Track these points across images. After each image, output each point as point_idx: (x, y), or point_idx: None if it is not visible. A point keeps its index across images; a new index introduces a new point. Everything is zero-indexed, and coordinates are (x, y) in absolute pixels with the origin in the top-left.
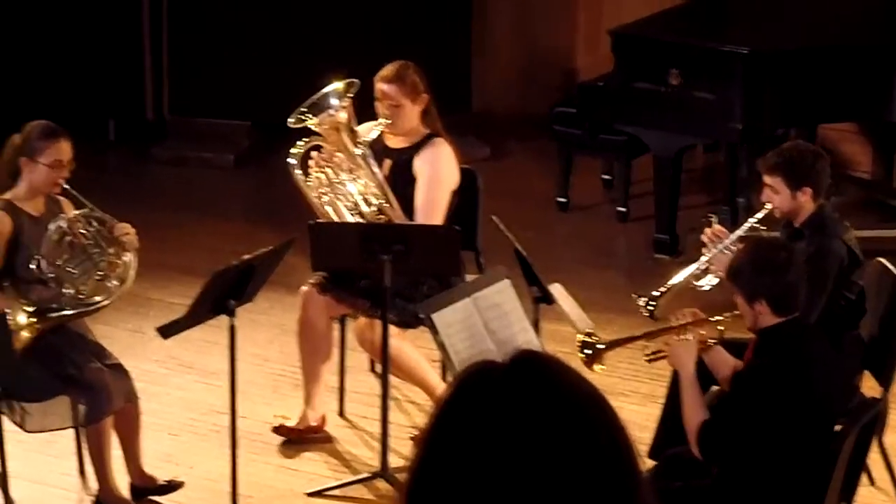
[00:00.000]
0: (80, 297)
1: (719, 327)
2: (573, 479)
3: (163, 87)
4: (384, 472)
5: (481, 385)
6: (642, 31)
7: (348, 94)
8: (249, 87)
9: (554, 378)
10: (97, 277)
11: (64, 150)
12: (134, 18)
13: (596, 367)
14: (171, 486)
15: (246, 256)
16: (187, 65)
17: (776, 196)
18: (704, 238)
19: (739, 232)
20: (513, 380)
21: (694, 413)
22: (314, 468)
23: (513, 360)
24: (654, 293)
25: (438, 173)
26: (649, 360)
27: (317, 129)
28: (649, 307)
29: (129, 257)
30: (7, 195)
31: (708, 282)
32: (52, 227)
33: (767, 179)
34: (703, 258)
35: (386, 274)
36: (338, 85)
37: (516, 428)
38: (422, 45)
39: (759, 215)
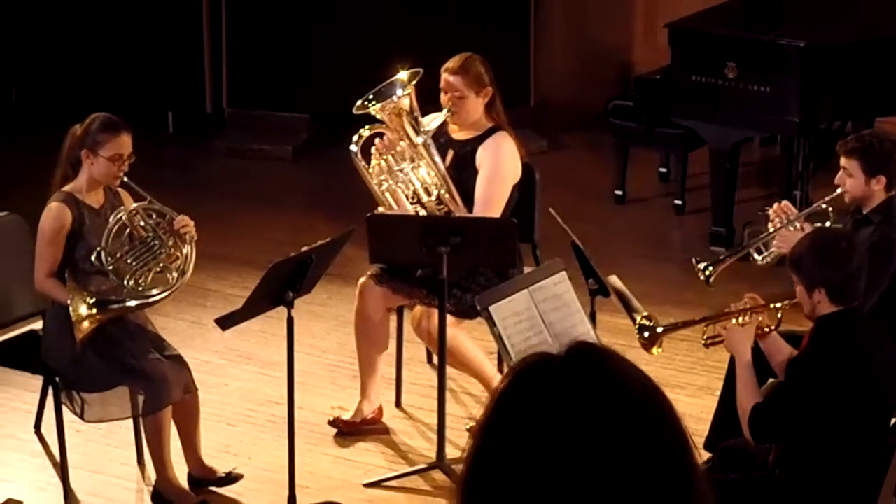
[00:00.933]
0: (140, 288)
1: (777, 314)
2: (629, 470)
3: (221, 80)
4: (441, 463)
5: (537, 376)
6: (699, 24)
7: (412, 83)
8: (307, 79)
9: (610, 370)
10: (157, 269)
11: (125, 143)
12: (193, 11)
13: (654, 349)
14: (231, 478)
15: (304, 248)
16: (245, 57)
17: (850, 179)
18: (771, 213)
19: (807, 211)
20: (569, 371)
21: (748, 398)
22: (371, 459)
23: (569, 352)
24: (715, 259)
25: (500, 166)
26: (707, 345)
27: (380, 116)
28: (706, 272)
29: (188, 249)
30: (67, 187)
31: (768, 256)
32: (112, 219)
33: (844, 162)
34: (766, 233)
35: (443, 266)
36: (402, 74)
37: (572, 419)
38: (481, 38)
39: (829, 198)
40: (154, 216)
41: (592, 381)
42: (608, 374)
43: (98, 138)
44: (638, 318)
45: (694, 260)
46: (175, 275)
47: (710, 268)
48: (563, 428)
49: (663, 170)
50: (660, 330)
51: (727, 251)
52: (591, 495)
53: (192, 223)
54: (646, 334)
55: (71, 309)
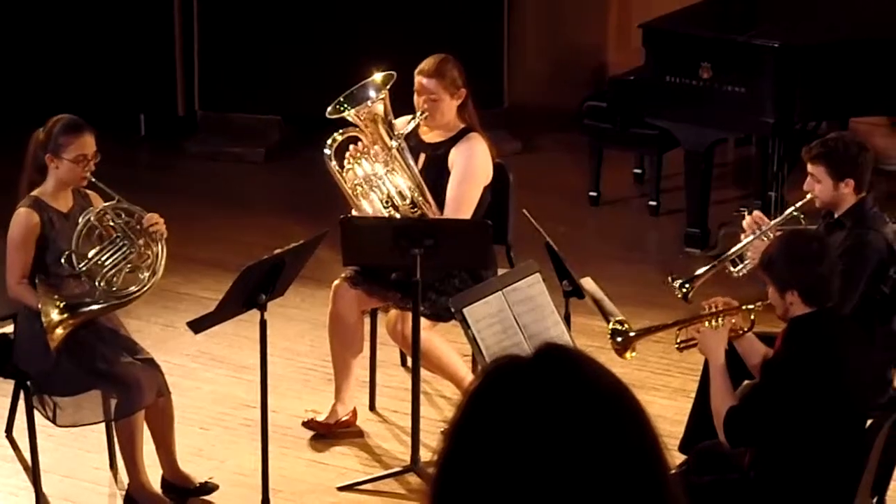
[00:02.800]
0: (112, 289)
1: (751, 316)
2: (599, 472)
3: (193, 82)
4: (415, 466)
5: (506, 378)
6: (673, 25)
7: (385, 86)
8: (280, 81)
9: (578, 371)
10: (128, 269)
11: (88, 143)
12: (164, 13)
13: (627, 354)
14: (206, 489)
15: (277, 251)
16: (217, 59)
17: (818, 185)
18: (745, 224)
19: (779, 220)
20: (537, 373)
21: (722, 400)
22: (345, 462)
23: (537, 354)
24: (691, 276)
25: (471, 168)
26: (680, 349)
27: (353, 121)
28: (683, 289)
29: (158, 248)
30: (35, 192)
31: (743, 268)
32: (80, 220)
33: (811, 168)
34: (741, 244)
35: (417, 268)
36: (375, 77)
37: (541, 421)
38: (454, 38)
39: (799, 204)
40: (123, 215)
41: (561, 382)
42: (577, 375)
43: (60, 141)
44: (610, 323)
45: (669, 278)
46: (147, 274)
47: (687, 285)
48: (532, 429)
49: (638, 171)
50: (632, 334)
51: (700, 270)
52: (562, 496)
53: (161, 221)
54: (619, 339)
55: (42, 315)
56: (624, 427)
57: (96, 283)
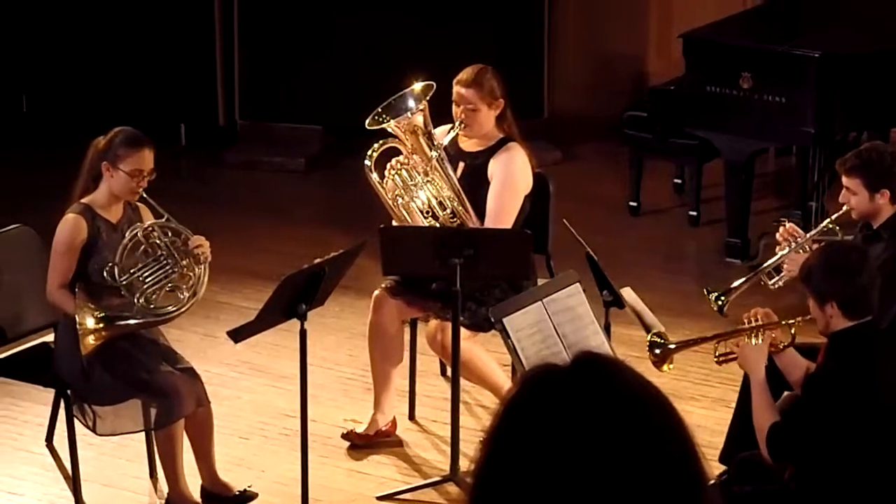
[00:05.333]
0: (150, 306)
1: (791, 330)
2: (635, 480)
3: (234, 92)
4: (454, 476)
5: (543, 387)
6: (714, 35)
7: (425, 97)
8: (320, 91)
9: (616, 379)
10: (168, 288)
11: (146, 159)
12: (205, 24)
13: (665, 366)
14: (246, 497)
15: (317, 260)
16: (258, 69)
17: (854, 197)
18: (779, 236)
19: (815, 232)
20: (574, 381)
21: (764, 416)
22: (384, 472)
23: (575, 362)
24: (726, 289)
25: (511, 177)
26: (719, 362)
27: (393, 131)
28: (719, 302)
29: (201, 270)
30: (86, 199)
31: (779, 280)
32: (127, 234)
33: (846, 181)
34: (777, 256)
35: (457, 278)
36: (415, 87)
37: (578, 429)
38: (494, 49)
39: (836, 216)
40: (170, 234)
41: (598, 391)
42: (613, 383)
43: (119, 152)
44: (649, 336)
45: (706, 290)
46: (186, 294)
47: (723, 297)
48: (568, 438)
49: (678, 181)
50: (671, 347)
51: (736, 282)
52: None
53: (207, 244)
54: (657, 351)
55: (77, 321)
56: (661, 436)
57: (135, 299)
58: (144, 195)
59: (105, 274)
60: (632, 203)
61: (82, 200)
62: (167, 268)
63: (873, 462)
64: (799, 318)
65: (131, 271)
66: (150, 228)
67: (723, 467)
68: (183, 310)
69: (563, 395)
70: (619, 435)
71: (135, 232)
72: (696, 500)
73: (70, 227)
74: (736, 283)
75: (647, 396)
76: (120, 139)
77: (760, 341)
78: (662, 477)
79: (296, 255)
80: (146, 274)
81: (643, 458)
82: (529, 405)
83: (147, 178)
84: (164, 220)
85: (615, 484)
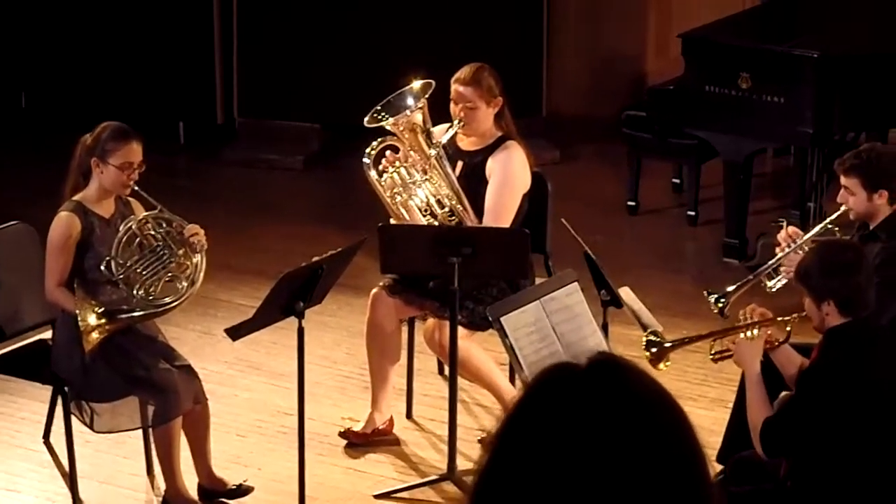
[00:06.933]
0: (150, 298)
1: (787, 327)
2: (644, 483)
3: (232, 90)
4: (451, 474)
5: (559, 386)
6: (712, 35)
7: (424, 95)
8: (319, 89)
9: (631, 381)
10: (167, 279)
11: (134, 151)
12: (204, 22)
13: (661, 365)
14: (242, 491)
15: (315, 258)
16: (257, 67)
17: (852, 197)
18: (780, 238)
19: (813, 233)
20: (591, 382)
21: (758, 412)
22: (381, 470)
23: (591, 363)
24: (726, 290)
25: (509, 176)
26: (715, 360)
27: (392, 130)
28: (719, 304)
29: (198, 258)
30: (77, 196)
31: (778, 282)
32: (122, 228)
33: (844, 181)
34: (775, 258)
35: (455, 277)
36: (414, 85)
37: (591, 430)
38: (492, 48)
39: (834, 216)
40: (164, 225)
41: (613, 392)
42: (629, 385)
43: (107, 146)
44: (645, 334)
45: (706, 292)
46: (185, 284)
47: (723, 300)
48: (580, 438)
49: (676, 181)
50: (667, 345)
51: (736, 284)
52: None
53: (202, 232)
54: (653, 350)
55: (79, 319)
56: (671, 439)
57: (134, 292)
58: (136, 188)
59: (102, 268)
60: (630, 202)
61: (74, 198)
62: (164, 258)
63: (868, 456)
64: (794, 315)
65: (128, 264)
66: (144, 220)
67: (720, 467)
68: (182, 299)
69: (579, 396)
70: (630, 438)
71: (129, 225)
72: (704, 502)
73: (63, 225)
74: (735, 286)
75: (660, 399)
76: (107, 134)
77: (756, 338)
78: (671, 480)
79: (294, 252)
80: (143, 266)
81: (653, 461)
82: (543, 405)
83: (137, 171)
84: (157, 211)
85: (624, 487)
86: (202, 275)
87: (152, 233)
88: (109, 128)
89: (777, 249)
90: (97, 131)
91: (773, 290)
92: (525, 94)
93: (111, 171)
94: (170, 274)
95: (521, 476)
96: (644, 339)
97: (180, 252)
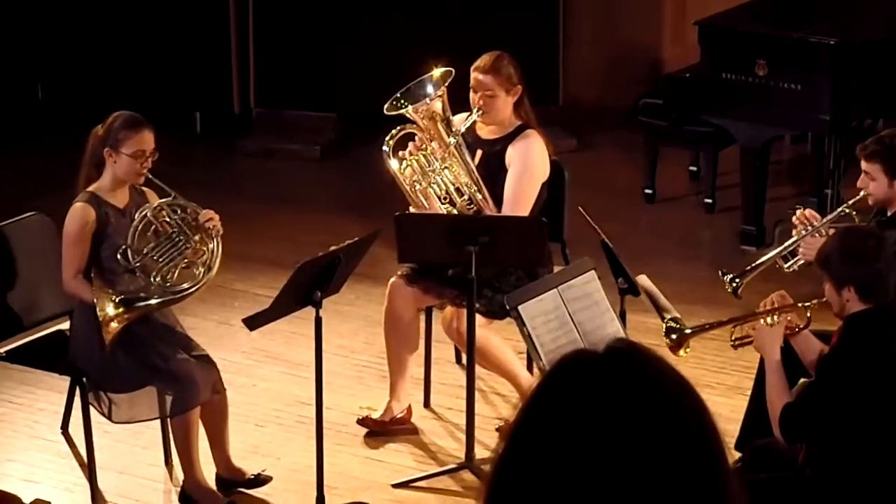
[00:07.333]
0: (167, 285)
1: (807, 313)
2: (662, 471)
3: (249, 80)
4: (469, 463)
5: (577, 374)
6: (729, 22)
7: (444, 83)
8: (335, 78)
9: (649, 368)
10: (183, 265)
11: (147, 139)
12: (220, 11)
13: (681, 351)
14: (260, 480)
15: (332, 248)
16: (273, 57)
17: (872, 183)
18: (795, 220)
19: (831, 217)
20: (608, 369)
21: (778, 398)
22: (399, 459)
23: (608, 349)
24: (742, 271)
25: (529, 165)
26: (735, 346)
27: (411, 118)
28: (734, 284)
29: (214, 244)
30: (91, 187)
31: (794, 264)
32: (137, 216)
33: (865, 166)
34: (792, 239)
35: (472, 265)
36: (434, 73)
37: (609, 417)
38: (510, 36)
39: (852, 202)
40: (179, 211)
41: (631, 378)
42: (647, 372)
43: (119, 136)
44: (665, 321)
45: (720, 272)
46: (202, 270)
47: (738, 279)
48: (598, 426)
49: (693, 168)
50: (687, 332)
51: (753, 263)
52: (623, 495)
53: (217, 217)
54: (673, 336)
55: (98, 309)
56: (690, 427)
57: (151, 279)
58: (150, 176)
59: (119, 257)
60: (647, 190)
61: (88, 188)
62: (180, 244)
63: (886, 445)
64: (814, 301)
65: (144, 252)
66: (160, 208)
67: (738, 454)
68: (199, 286)
69: (597, 383)
70: (648, 425)
71: (144, 213)
72: (723, 490)
73: (78, 215)
74: (750, 266)
75: (677, 387)
76: (119, 123)
77: (776, 324)
78: (690, 468)
79: (311, 242)
80: (160, 253)
81: (672, 449)
82: (561, 392)
83: (150, 159)
84: (171, 198)
85: (642, 475)
86: (218, 260)
87: (167, 220)
88: (121, 117)
89: (794, 231)
90: (108, 121)
91: (789, 271)
92: (542, 83)
93: (124, 160)
94: (186, 260)
95: (539, 464)
96: (664, 325)
97: (196, 238)
